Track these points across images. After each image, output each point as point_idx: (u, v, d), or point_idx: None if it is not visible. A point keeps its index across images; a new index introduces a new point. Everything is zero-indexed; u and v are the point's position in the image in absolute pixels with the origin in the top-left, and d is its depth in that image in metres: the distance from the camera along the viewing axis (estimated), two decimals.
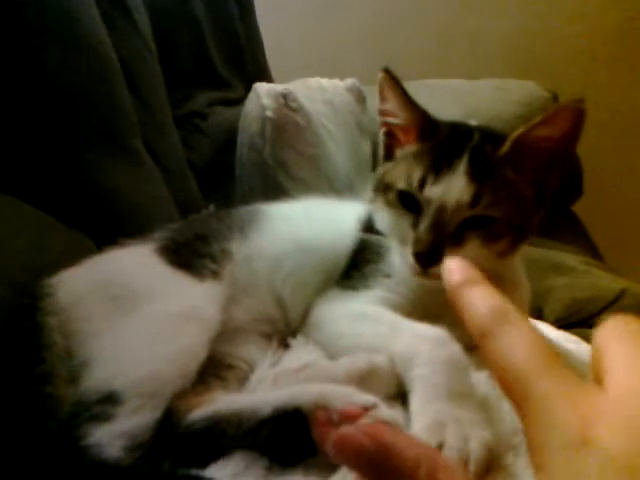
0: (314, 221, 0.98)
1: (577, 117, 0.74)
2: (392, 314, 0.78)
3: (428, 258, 0.74)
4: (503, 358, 0.34)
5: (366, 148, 1.89)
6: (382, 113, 0.87)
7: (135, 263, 0.85)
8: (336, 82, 1.95)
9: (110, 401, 0.63)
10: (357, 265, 0.88)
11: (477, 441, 0.59)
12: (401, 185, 0.79)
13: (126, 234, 0.91)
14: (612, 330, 0.34)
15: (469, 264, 0.44)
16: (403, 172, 0.80)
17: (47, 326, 0.74)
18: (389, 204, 0.81)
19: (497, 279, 0.81)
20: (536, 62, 2.63)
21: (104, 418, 0.61)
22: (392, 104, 0.85)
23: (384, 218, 0.84)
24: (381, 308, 0.80)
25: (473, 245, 0.75)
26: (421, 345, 0.69)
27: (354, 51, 2.67)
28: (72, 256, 0.86)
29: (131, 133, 1.33)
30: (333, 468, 0.57)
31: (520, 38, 2.71)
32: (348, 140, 1.83)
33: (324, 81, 1.91)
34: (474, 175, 0.75)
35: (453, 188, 0.74)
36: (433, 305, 0.81)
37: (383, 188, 0.83)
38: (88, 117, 1.21)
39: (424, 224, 0.75)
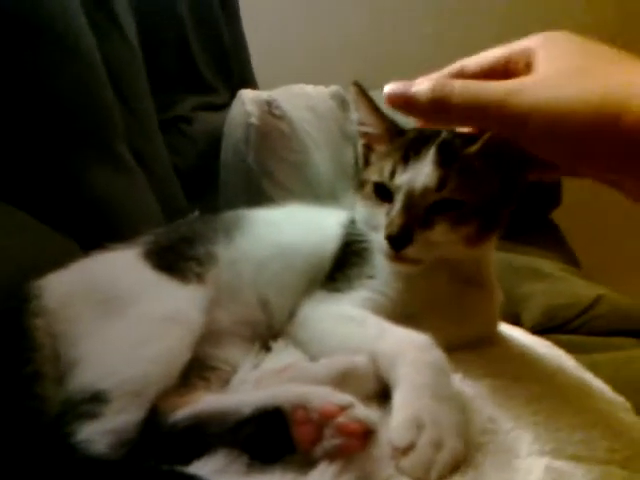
0: (298, 226, 1.01)
1: None
2: (377, 318, 0.81)
3: (399, 240, 0.78)
4: None
5: (349, 155, 1.91)
6: (358, 122, 0.93)
7: (121, 267, 0.87)
8: (320, 89, 1.98)
9: (97, 400, 0.65)
10: (341, 268, 0.92)
11: (448, 452, 0.62)
12: (375, 178, 0.85)
13: (112, 238, 0.93)
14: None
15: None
16: (377, 168, 0.86)
17: (34, 327, 0.75)
18: (365, 197, 0.87)
19: (467, 281, 0.86)
20: None
21: (91, 416, 0.63)
22: (363, 114, 0.91)
23: (362, 211, 0.89)
24: (366, 312, 0.83)
25: (441, 228, 0.79)
26: (406, 347, 0.72)
27: (340, 57, 2.69)
28: (59, 259, 0.87)
29: (117, 138, 1.34)
30: (310, 465, 0.60)
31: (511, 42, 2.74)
32: (331, 147, 1.85)
33: (308, 87, 1.94)
34: (441, 162, 0.79)
35: (420, 173, 0.79)
36: (413, 306, 0.86)
37: (361, 184, 0.89)
38: (73, 122, 1.23)
39: (395, 209, 0.80)
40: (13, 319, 0.77)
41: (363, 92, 0.90)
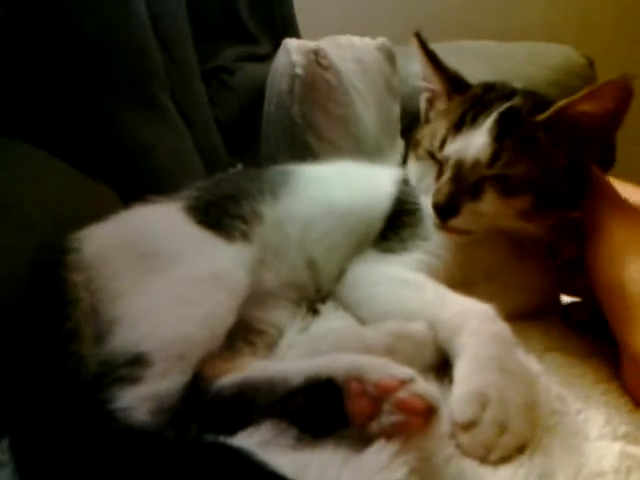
0: (348, 183, 0.97)
1: (623, 96, 0.72)
2: (436, 284, 0.77)
3: (446, 210, 0.76)
4: None
5: (395, 109, 1.84)
6: (421, 77, 0.89)
7: (164, 222, 0.83)
8: (366, 40, 1.89)
9: (138, 363, 0.61)
10: (394, 228, 0.88)
11: (512, 436, 0.58)
12: (425, 144, 0.82)
13: (152, 189, 0.90)
14: None
15: None
16: (430, 130, 0.83)
17: (73, 282, 0.72)
18: (418, 158, 0.84)
19: (528, 249, 0.81)
20: (572, 26, 2.56)
21: (131, 380, 0.60)
22: (423, 68, 0.88)
23: (414, 171, 0.86)
24: (423, 276, 0.79)
25: (490, 199, 0.75)
26: (470, 316, 0.68)
27: (385, 10, 2.60)
28: (98, 210, 0.84)
29: (159, 88, 1.31)
30: (365, 441, 0.55)
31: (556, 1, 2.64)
32: (377, 101, 1.78)
33: (355, 39, 1.86)
34: (498, 135, 0.75)
35: (472, 145, 0.75)
36: (469, 271, 0.82)
37: (414, 144, 0.87)
38: (116, 71, 1.20)
39: (444, 177, 0.76)
40: (51, 273, 0.73)
41: (423, 45, 0.85)
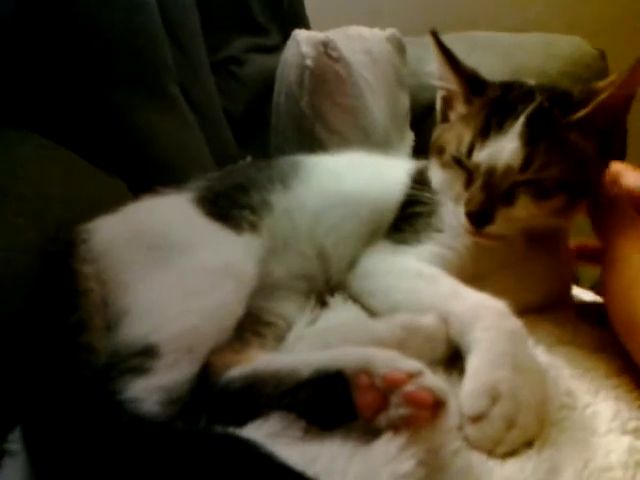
0: (361, 174, 0.96)
1: None
2: (450, 278, 0.76)
3: (480, 218, 0.74)
4: None
5: (404, 101, 1.83)
6: (438, 76, 0.87)
7: (173, 213, 0.83)
8: (376, 31, 1.88)
9: (147, 354, 0.61)
10: (408, 219, 0.87)
11: (520, 432, 0.58)
12: (452, 150, 0.79)
13: (161, 180, 0.89)
14: None
15: None
16: (454, 136, 0.80)
17: (82, 273, 0.72)
18: (444, 165, 0.82)
19: (543, 243, 0.80)
20: (583, 18, 2.53)
21: (141, 371, 0.60)
22: (439, 67, 0.85)
23: (439, 178, 0.83)
24: (437, 269, 0.79)
25: (524, 204, 0.74)
26: (484, 311, 0.68)
27: (395, 0, 2.58)
28: (107, 202, 0.84)
29: (168, 78, 1.30)
30: (373, 433, 0.56)
31: None
32: (386, 92, 1.77)
33: (364, 30, 1.84)
34: (528, 139, 0.73)
35: (503, 151, 0.73)
36: (483, 264, 0.81)
37: (437, 150, 0.83)
38: (125, 61, 1.19)
39: (475, 185, 0.75)
40: (61, 264, 0.74)
41: (440, 44, 0.83)
